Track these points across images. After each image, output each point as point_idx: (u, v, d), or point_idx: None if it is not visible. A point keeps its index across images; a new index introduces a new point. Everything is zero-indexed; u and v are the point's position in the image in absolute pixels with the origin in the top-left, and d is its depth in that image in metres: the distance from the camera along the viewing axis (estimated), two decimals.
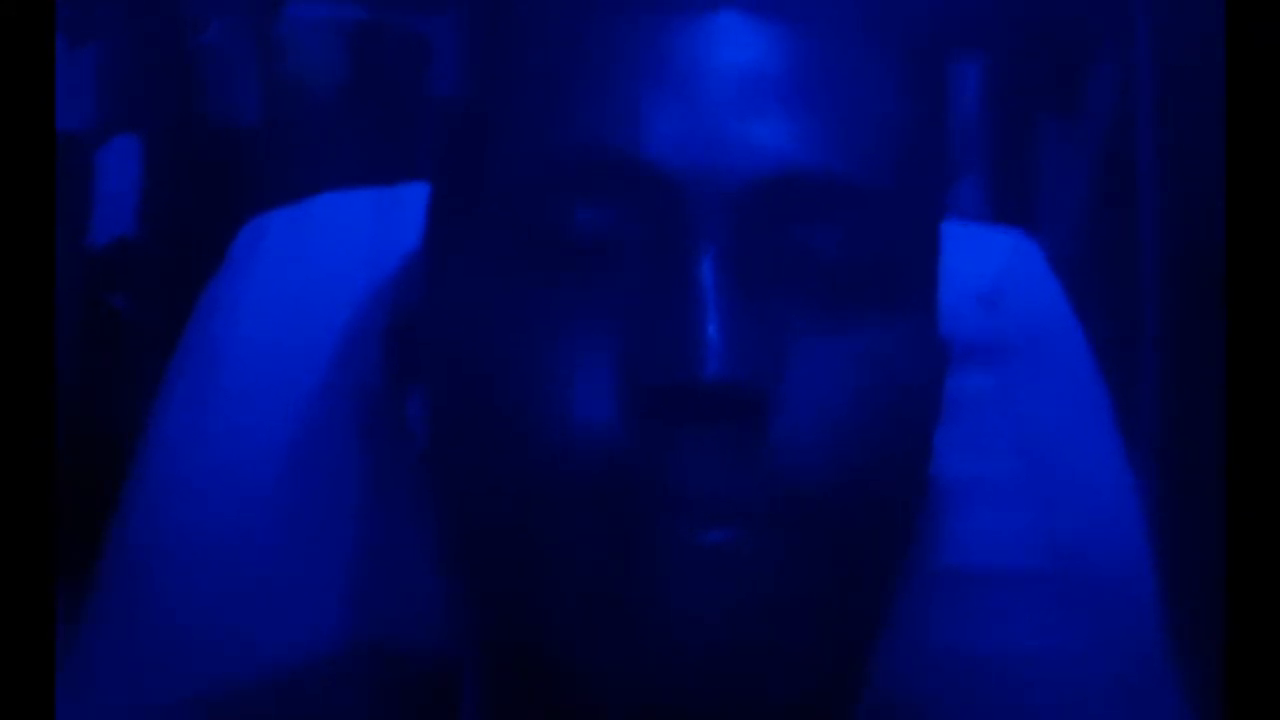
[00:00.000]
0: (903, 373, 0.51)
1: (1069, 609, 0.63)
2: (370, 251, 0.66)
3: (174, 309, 0.69)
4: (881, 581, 0.53)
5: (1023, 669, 0.63)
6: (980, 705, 0.62)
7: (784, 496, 0.49)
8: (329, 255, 0.67)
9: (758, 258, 0.50)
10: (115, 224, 1.17)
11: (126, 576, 0.63)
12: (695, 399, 0.48)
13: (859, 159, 0.51)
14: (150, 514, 0.64)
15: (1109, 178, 1.13)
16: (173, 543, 0.63)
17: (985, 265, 0.66)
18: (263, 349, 0.65)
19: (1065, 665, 0.63)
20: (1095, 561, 0.64)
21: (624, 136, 0.50)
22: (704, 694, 0.48)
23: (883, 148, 0.52)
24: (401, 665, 0.59)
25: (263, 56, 1.26)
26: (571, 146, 0.51)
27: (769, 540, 0.48)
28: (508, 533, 0.50)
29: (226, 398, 0.64)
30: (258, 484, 0.63)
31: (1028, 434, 0.65)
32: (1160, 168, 1.07)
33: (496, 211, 0.52)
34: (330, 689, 0.60)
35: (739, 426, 0.48)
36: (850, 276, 0.51)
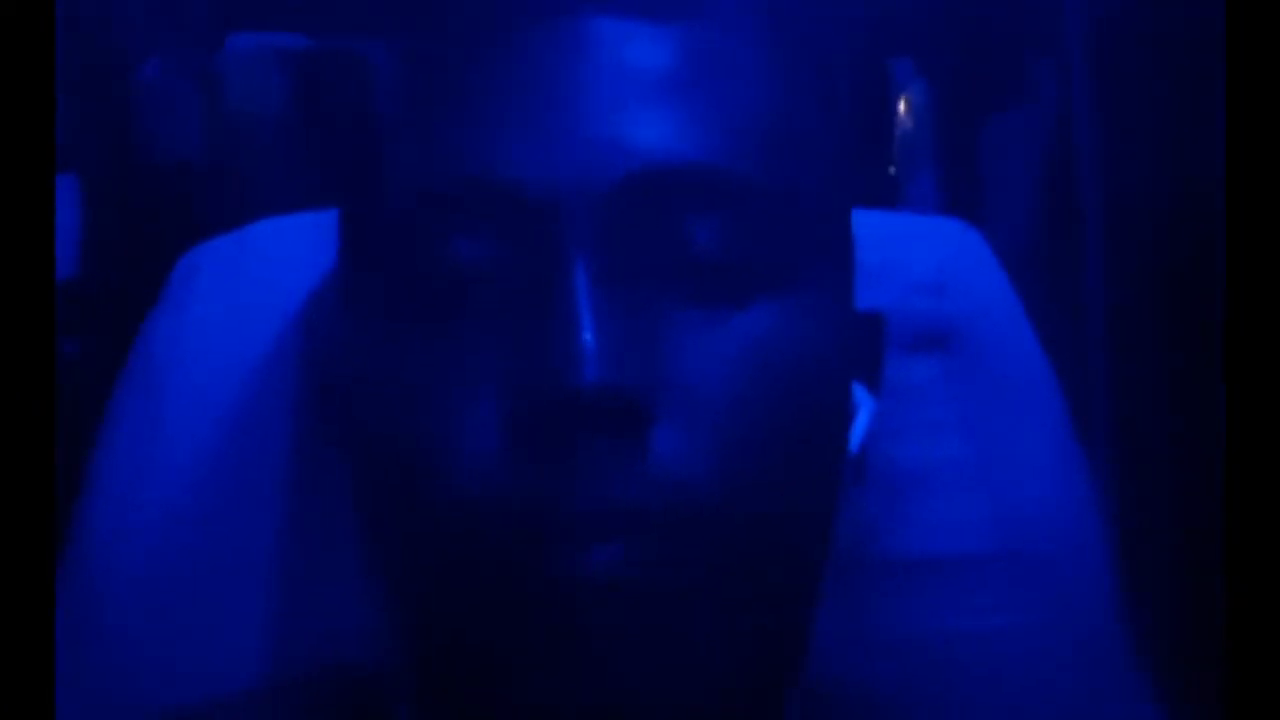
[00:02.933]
0: (797, 361, 0.50)
1: (1021, 589, 0.63)
2: (306, 276, 0.65)
3: (117, 346, 0.69)
4: (800, 573, 0.52)
5: (977, 650, 0.63)
6: (935, 688, 0.62)
7: (672, 502, 0.48)
8: (266, 281, 0.66)
9: (633, 257, 0.49)
10: (59, 264, 1.17)
11: (72, 607, 0.63)
12: (573, 409, 0.47)
13: (731, 150, 0.51)
14: (94, 546, 0.63)
15: (1053, 170, 1.14)
16: (115, 574, 0.63)
17: (929, 253, 0.66)
18: (201, 378, 0.65)
19: (1019, 644, 0.63)
20: (1046, 541, 0.64)
21: (487, 160, 0.50)
22: (626, 706, 0.48)
23: (758, 138, 0.51)
24: (335, 689, 0.59)
25: (204, 89, 1.26)
26: (440, 176, 0.50)
27: (664, 546, 0.48)
28: (424, 566, 0.50)
29: (165, 428, 0.64)
30: (195, 514, 0.63)
31: (975, 418, 0.65)
32: (1102, 159, 1.08)
33: (384, 245, 0.51)
34: (269, 712, 0.59)
35: (623, 432, 0.48)
36: (730, 268, 0.50)
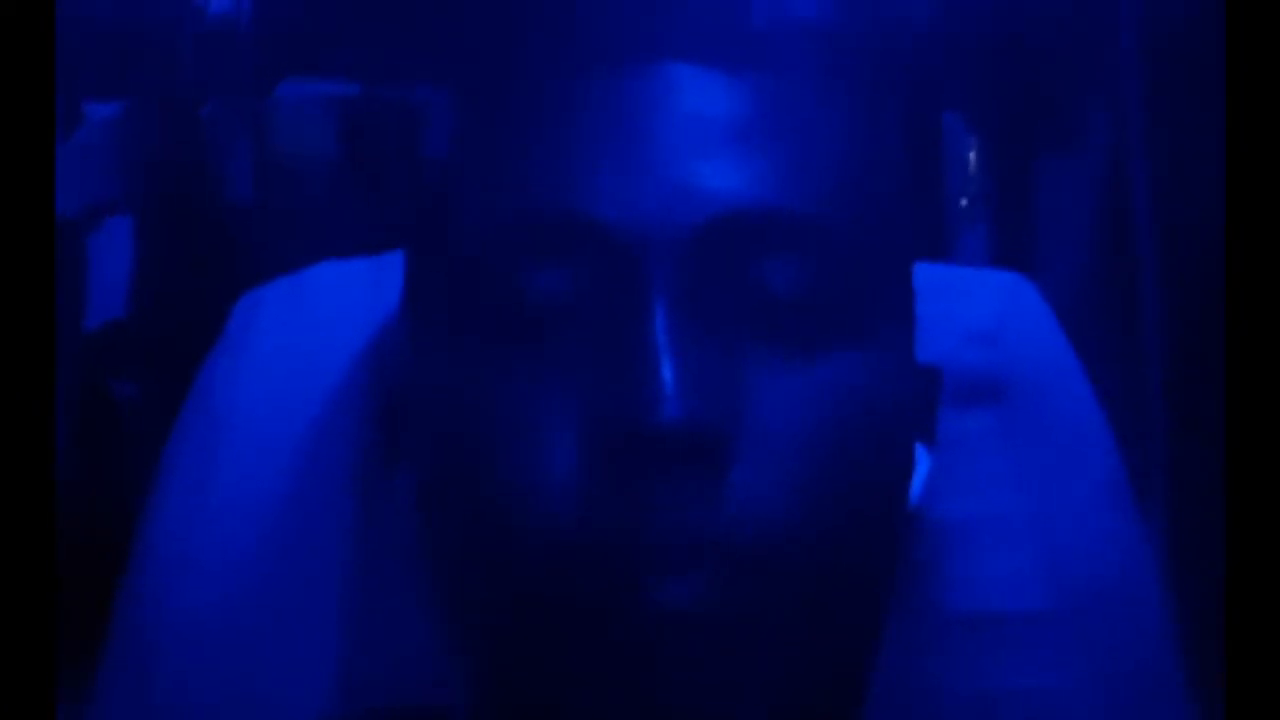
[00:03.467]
0: (870, 406, 0.51)
1: (1076, 648, 0.63)
2: (367, 318, 0.66)
3: (172, 388, 0.69)
4: (863, 618, 0.52)
5: (1030, 708, 0.62)
6: None
7: (750, 537, 0.48)
8: (325, 324, 0.67)
9: (713, 299, 0.50)
10: (111, 307, 1.18)
11: (131, 652, 0.63)
12: (654, 445, 0.48)
13: (809, 194, 0.51)
14: (154, 590, 0.64)
15: (1107, 218, 1.13)
16: (175, 618, 0.63)
17: (983, 305, 0.66)
18: (261, 421, 0.65)
19: (1073, 704, 0.62)
20: (1101, 600, 0.64)
21: (570, 199, 0.50)
22: None
23: (834, 183, 0.52)
24: None
25: (256, 134, 1.27)
26: (521, 212, 0.51)
27: (739, 581, 0.48)
28: (495, 598, 0.50)
29: (224, 471, 0.64)
30: (257, 556, 0.63)
31: (1030, 472, 0.64)
32: (1157, 205, 1.07)
33: (459, 281, 0.52)
34: None
35: (701, 470, 0.48)
36: (808, 312, 0.51)
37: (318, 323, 0.67)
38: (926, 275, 0.59)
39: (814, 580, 0.49)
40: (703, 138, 0.51)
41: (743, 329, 0.50)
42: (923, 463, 0.57)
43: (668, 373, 0.48)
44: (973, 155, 1.16)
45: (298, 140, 1.27)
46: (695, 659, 0.48)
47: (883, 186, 0.55)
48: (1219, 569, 0.50)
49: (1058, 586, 0.63)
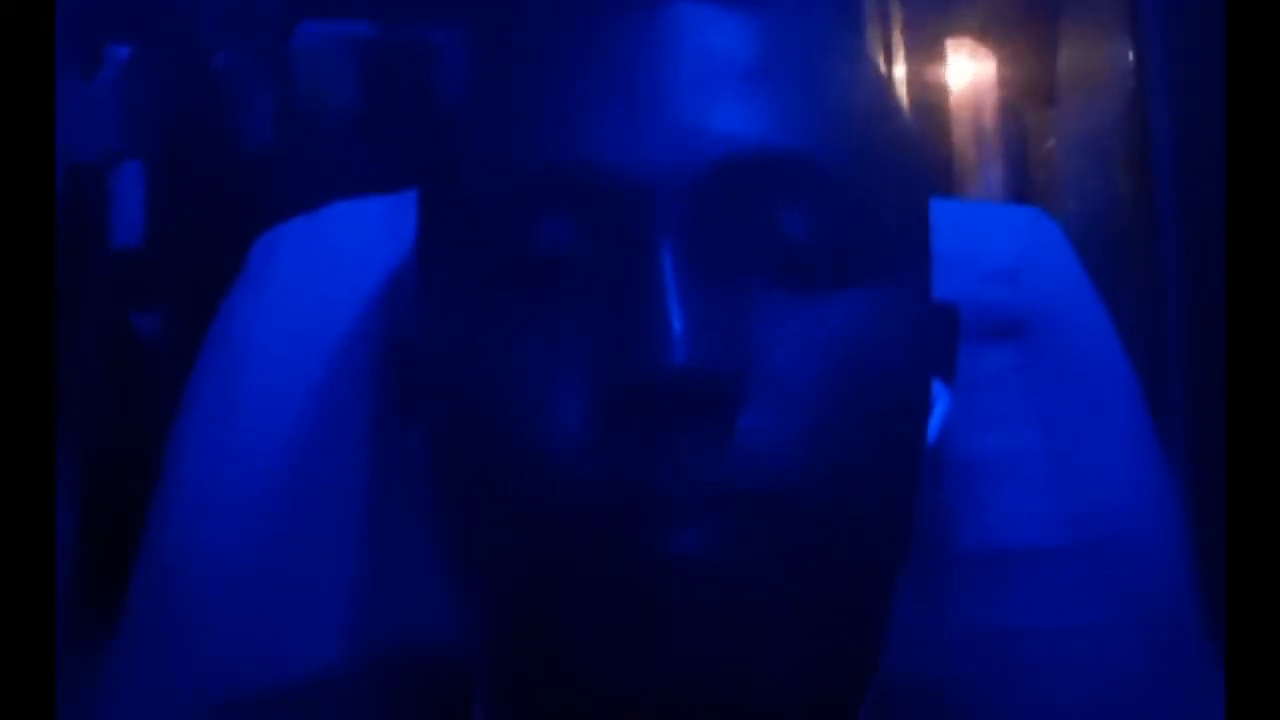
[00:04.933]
0: (883, 347, 0.51)
1: (1097, 584, 0.63)
2: (383, 257, 0.66)
3: (192, 325, 0.69)
4: (881, 559, 0.52)
5: (1051, 646, 0.62)
6: (1008, 683, 0.62)
7: (762, 483, 0.48)
8: (342, 262, 0.67)
9: (723, 243, 0.49)
10: (131, 245, 1.18)
11: (156, 589, 0.64)
12: (663, 391, 0.47)
13: (818, 136, 0.51)
14: (176, 527, 0.64)
15: (1129, 158, 1.13)
16: (198, 556, 0.63)
17: (1003, 243, 0.66)
18: (281, 358, 0.65)
19: (1095, 640, 0.62)
20: (1123, 536, 0.64)
21: (576, 145, 0.50)
22: (706, 688, 0.48)
23: (843, 123, 0.52)
24: (415, 670, 0.59)
25: (275, 75, 1.27)
26: (528, 160, 0.51)
27: (749, 527, 0.48)
28: (508, 546, 0.50)
29: (246, 409, 0.64)
30: (277, 494, 0.63)
31: (1051, 409, 0.64)
32: (1174, 148, 1.07)
33: (469, 228, 0.52)
34: (346, 697, 0.60)
35: (711, 416, 0.48)
36: (818, 254, 0.50)
37: (335, 261, 0.67)
38: (945, 212, 0.59)
39: (829, 524, 0.49)
40: (711, 80, 0.51)
41: (752, 272, 0.50)
42: (942, 401, 0.57)
43: (676, 318, 0.47)
44: (993, 93, 1.16)
45: (317, 82, 1.27)
46: (709, 606, 0.48)
47: (896, 128, 0.55)
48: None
49: (1078, 523, 0.63)
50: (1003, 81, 1.15)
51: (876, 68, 0.57)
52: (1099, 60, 1.15)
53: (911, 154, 0.56)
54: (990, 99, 1.15)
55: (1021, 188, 1.13)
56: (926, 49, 1.10)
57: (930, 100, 1.11)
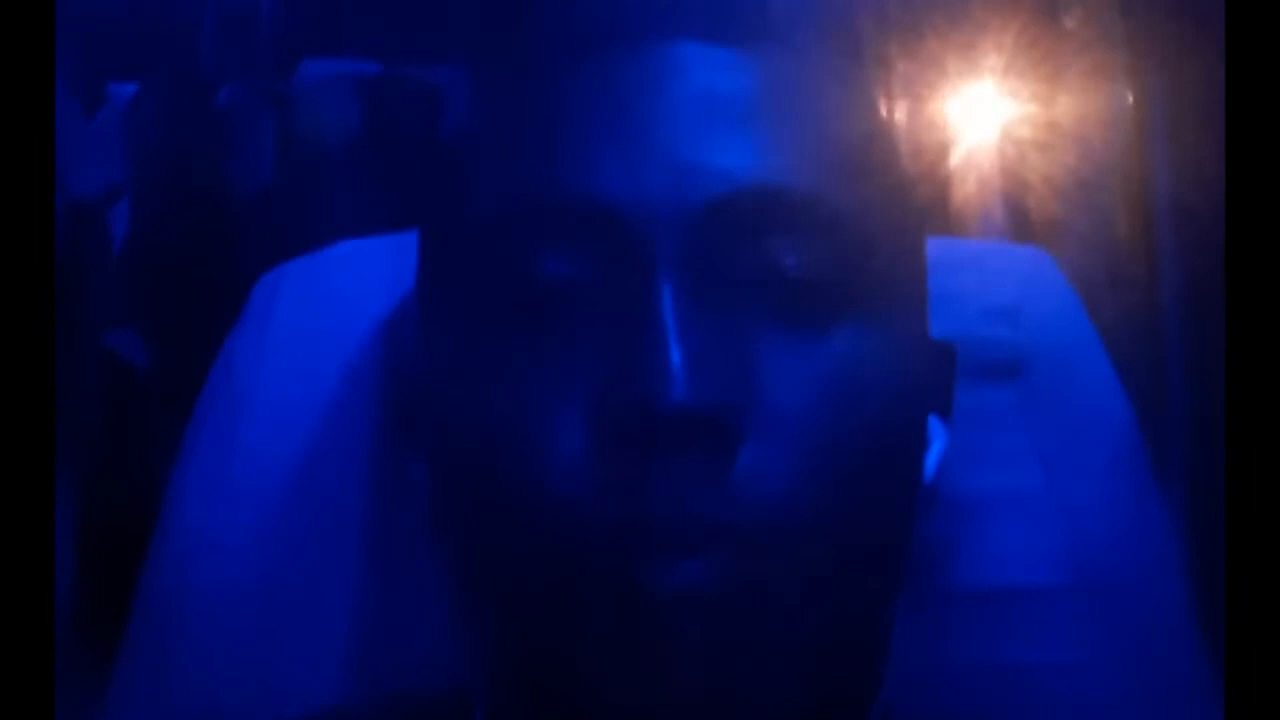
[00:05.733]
0: (880, 383, 0.51)
1: (1094, 622, 0.63)
2: (385, 297, 0.66)
3: (194, 362, 0.69)
4: (878, 596, 0.52)
5: (1048, 682, 0.62)
6: (1008, 717, 0.61)
7: (759, 518, 0.48)
8: (344, 302, 0.67)
9: (721, 279, 0.50)
10: (132, 282, 1.18)
11: (155, 624, 0.64)
12: (662, 427, 0.47)
13: (817, 174, 0.51)
14: (177, 563, 0.64)
15: (1125, 201, 1.13)
16: (198, 591, 0.63)
17: (1003, 280, 0.66)
18: (282, 397, 0.65)
19: (1092, 679, 0.62)
20: (1119, 576, 0.64)
21: (577, 181, 0.50)
22: (706, 718, 0.48)
23: (836, 163, 0.52)
24: (416, 702, 0.59)
25: (280, 114, 1.27)
26: (529, 196, 0.51)
27: (747, 562, 0.48)
28: (508, 578, 0.50)
29: (247, 447, 0.65)
30: (279, 531, 0.64)
31: (1049, 447, 0.64)
32: (1173, 189, 1.07)
33: (470, 264, 0.52)
34: None
35: (709, 451, 0.48)
36: (815, 289, 0.50)
37: (337, 302, 0.67)
38: (945, 250, 0.59)
39: (826, 560, 0.49)
40: (711, 117, 0.51)
41: (751, 308, 0.50)
42: (939, 438, 0.57)
43: (675, 354, 0.48)
44: (992, 131, 1.16)
45: (318, 120, 1.27)
46: (707, 640, 0.48)
47: (892, 165, 0.55)
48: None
49: (1076, 562, 0.63)
50: (1002, 122, 1.15)
51: (875, 107, 0.57)
52: (1098, 101, 1.15)
53: (908, 192, 0.56)
54: (990, 139, 1.15)
55: (1021, 228, 1.13)
56: (926, 90, 1.10)
57: (930, 140, 1.11)
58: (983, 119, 1.16)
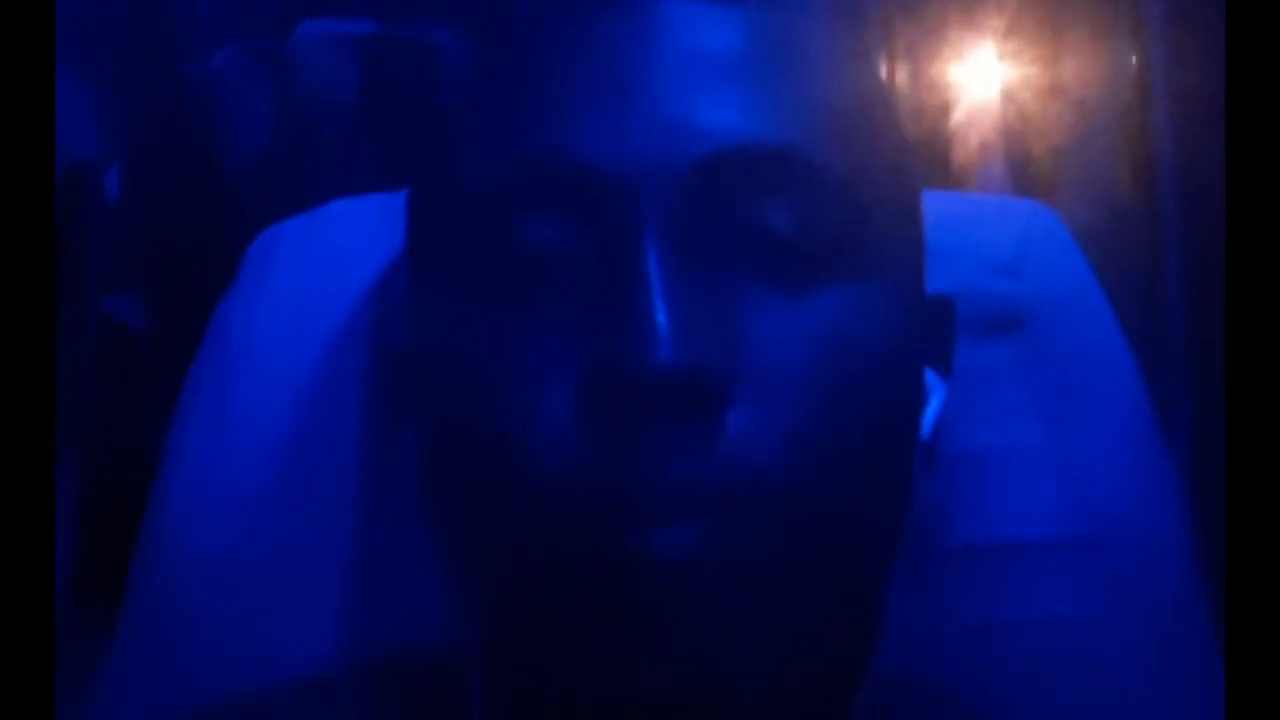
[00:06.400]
0: (872, 341, 0.50)
1: (1098, 577, 0.62)
2: (380, 257, 0.66)
3: (189, 322, 0.69)
4: (873, 556, 0.52)
5: (1050, 639, 0.62)
6: (1006, 677, 0.61)
7: (749, 482, 0.48)
8: (339, 262, 0.67)
9: (709, 238, 0.49)
10: (127, 243, 1.18)
11: (152, 589, 0.64)
12: (649, 388, 0.47)
13: (804, 131, 0.51)
14: (172, 526, 0.64)
15: (1127, 158, 1.13)
16: (194, 556, 0.63)
17: (1003, 234, 0.66)
18: (276, 357, 0.65)
19: (1095, 634, 0.62)
20: (1125, 529, 0.63)
21: (562, 142, 0.50)
22: (698, 685, 0.48)
23: (828, 121, 0.51)
24: (413, 670, 0.59)
25: (275, 74, 1.27)
26: (514, 159, 0.51)
27: (737, 527, 0.48)
28: (497, 544, 0.50)
29: (242, 408, 0.64)
30: (272, 494, 0.63)
31: (1052, 402, 0.64)
32: (1176, 147, 1.07)
33: (457, 228, 0.52)
34: (344, 697, 0.60)
35: (697, 414, 0.47)
36: (805, 249, 0.50)
37: (332, 261, 0.66)
38: (944, 204, 0.58)
39: (819, 520, 0.49)
40: (696, 76, 0.50)
41: (739, 268, 0.49)
42: (937, 394, 0.56)
43: (661, 316, 0.47)
44: (991, 85, 1.16)
45: (315, 80, 1.26)
46: (698, 606, 0.47)
47: (886, 120, 0.54)
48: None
49: (1079, 517, 0.63)
50: (1004, 80, 1.15)
51: (868, 65, 0.56)
52: (1101, 59, 1.15)
53: (905, 152, 0.55)
54: (992, 97, 1.15)
55: (1022, 185, 1.13)
56: (927, 48, 1.10)
57: (931, 99, 1.11)
58: (983, 80, 1.16)
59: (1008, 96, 1.16)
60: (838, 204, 0.50)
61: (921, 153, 0.56)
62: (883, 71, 0.55)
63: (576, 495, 0.48)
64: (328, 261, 0.67)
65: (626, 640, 0.48)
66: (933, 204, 0.56)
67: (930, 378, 0.56)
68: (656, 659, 0.48)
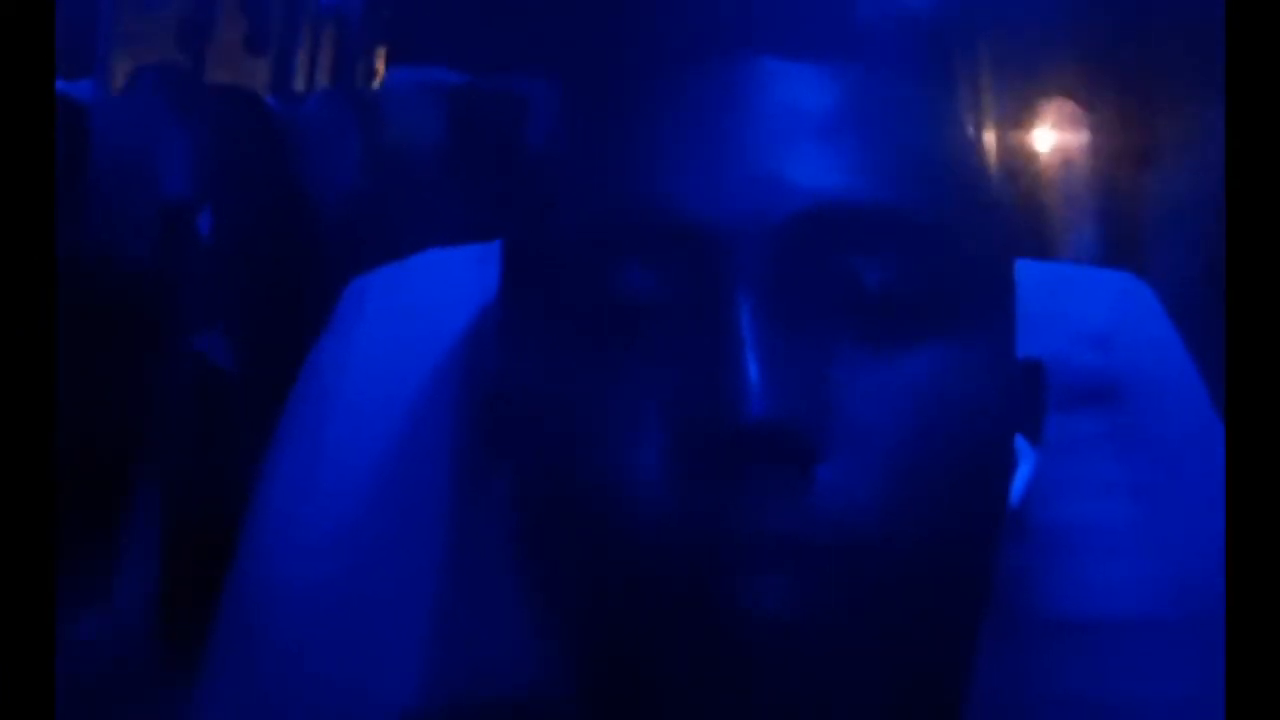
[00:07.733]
0: (962, 404, 0.50)
1: (1190, 657, 0.61)
2: (470, 307, 0.66)
3: (282, 369, 0.70)
4: (958, 621, 0.52)
5: (1144, 716, 0.61)
6: None
7: (837, 537, 0.48)
8: (429, 311, 0.67)
9: (801, 294, 0.49)
10: (223, 289, 1.19)
11: (240, 626, 0.64)
12: (740, 444, 0.47)
13: (898, 187, 0.51)
14: (262, 567, 0.64)
15: (1216, 222, 1.11)
16: (282, 595, 0.64)
17: (1096, 306, 0.65)
18: (367, 404, 0.66)
19: (1185, 715, 0.61)
20: (1216, 607, 0.62)
21: (658, 195, 0.50)
22: None
23: (921, 178, 0.52)
24: (494, 714, 0.59)
25: (363, 122, 1.28)
26: (610, 210, 0.51)
27: (826, 581, 0.48)
28: (588, 592, 0.50)
29: (333, 452, 0.65)
30: (362, 537, 0.64)
31: (1144, 477, 0.63)
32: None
33: (552, 277, 0.52)
34: None
35: (787, 469, 0.48)
36: (897, 307, 0.50)
37: (422, 311, 0.67)
38: (1038, 273, 0.58)
39: (904, 582, 0.49)
40: (791, 131, 0.51)
41: (831, 324, 0.50)
42: (1026, 461, 0.56)
43: (753, 370, 0.47)
44: (1083, 153, 1.15)
45: (405, 128, 1.28)
46: (784, 661, 0.48)
47: (979, 181, 0.54)
48: None
49: (1171, 595, 0.62)
50: (1094, 143, 1.14)
51: (962, 125, 0.57)
52: (1191, 122, 1.14)
53: (995, 209, 0.55)
54: (1082, 160, 1.14)
55: (1112, 250, 1.12)
56: (1018, 109, 1.09)
57: (1021, 161, 1.10)
58: (1076, 141, 1.15)
59: (1095, 159, 1.15)
60: (931, 263, 0.51)
61: (1014, 215, 0.56)
62: (978, 134, 0.55)
63: (668, 545, 0.48)
64: (418, 310, 0.67)
65: (713, 690, 0.48)
66: (1024, 271, 0.56)
67: (1020, 445, 0.56)
68: (741, 710, 0.48)
